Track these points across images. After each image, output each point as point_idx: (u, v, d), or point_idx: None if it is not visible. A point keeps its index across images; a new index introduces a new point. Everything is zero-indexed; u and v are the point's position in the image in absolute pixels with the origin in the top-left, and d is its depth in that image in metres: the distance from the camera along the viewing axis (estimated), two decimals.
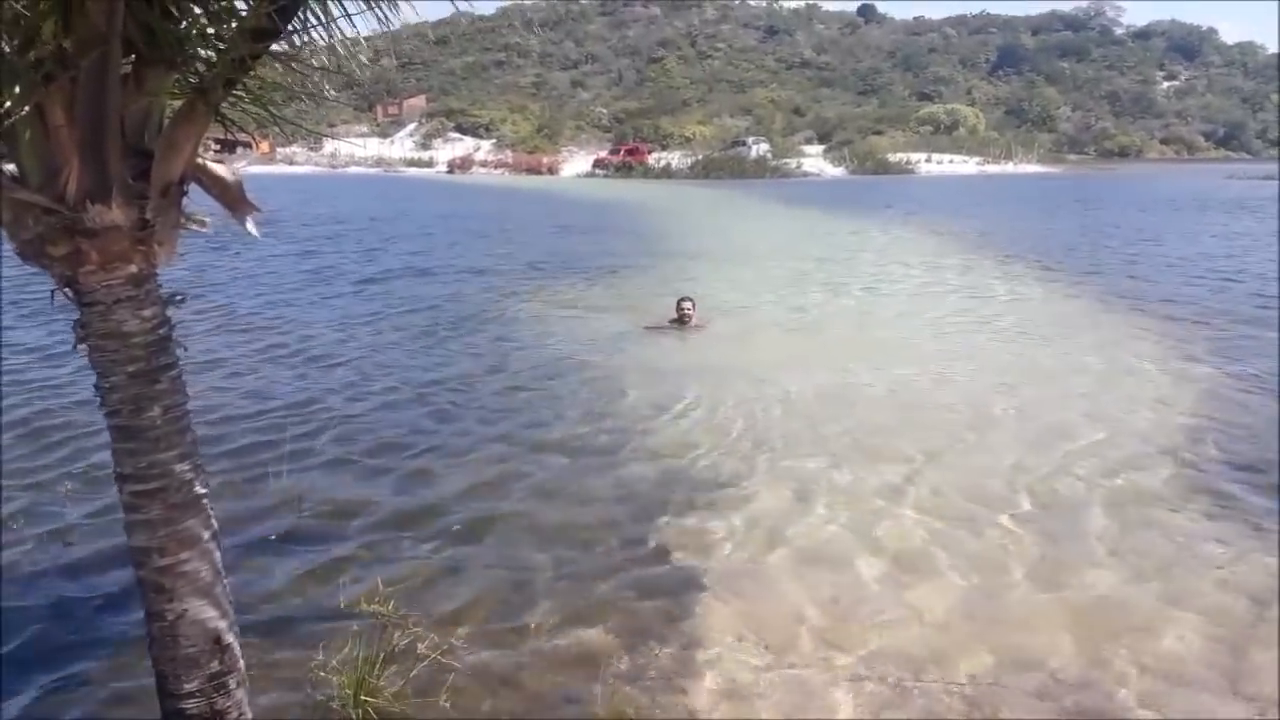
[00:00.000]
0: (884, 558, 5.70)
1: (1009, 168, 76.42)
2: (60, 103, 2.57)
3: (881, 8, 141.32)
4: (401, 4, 2.80)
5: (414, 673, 4.14)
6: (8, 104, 2.47)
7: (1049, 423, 8.39)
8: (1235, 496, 6.67)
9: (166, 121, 2.86)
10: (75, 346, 2.90)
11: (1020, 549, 5.83)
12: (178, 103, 2.85)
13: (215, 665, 3.05)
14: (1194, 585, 5.34)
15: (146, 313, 2.86)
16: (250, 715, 3.17)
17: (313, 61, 3.06)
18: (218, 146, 3.38)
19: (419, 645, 4.16)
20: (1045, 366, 10.63)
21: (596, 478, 7.05)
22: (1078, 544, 5.94)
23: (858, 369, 10.33)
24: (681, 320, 11.96)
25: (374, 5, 2.78)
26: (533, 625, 4.87)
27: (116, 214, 2.69)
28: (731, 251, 22.29)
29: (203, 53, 2.84)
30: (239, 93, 2.97)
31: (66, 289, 2.83)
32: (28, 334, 11.57)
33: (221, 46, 2.78)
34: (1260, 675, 4.46)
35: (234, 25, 2.75)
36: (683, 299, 12.12)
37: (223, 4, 2.81)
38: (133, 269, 2.80)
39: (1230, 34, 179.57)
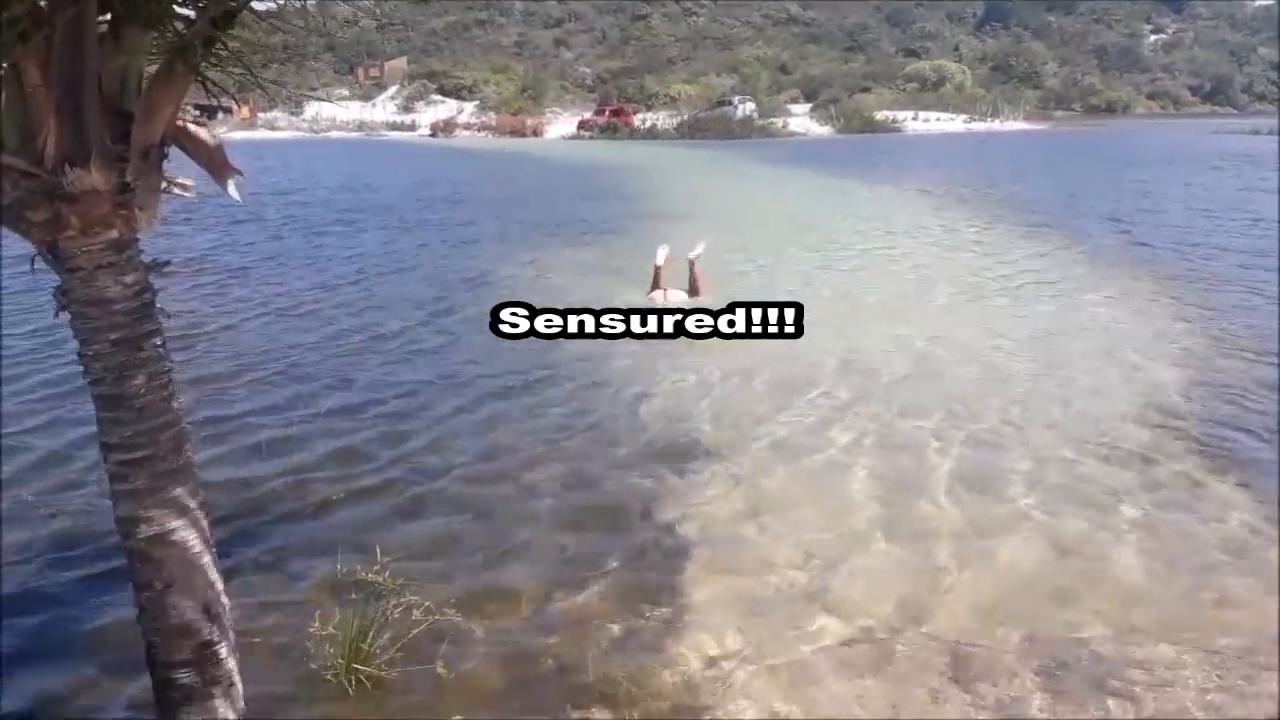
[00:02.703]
0: (861, 518, 5.74)
1: (995, 125, 76.08)
2: (36, 62, 2.49)
3: None
4: None
5: (406, 639, 4.13)
6: None
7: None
8: None
9: (146, 82, 2.79)
10: (57, 314, 2.85)
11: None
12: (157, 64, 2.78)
13: (205, 634, 3.02)
14: None
15: (128, 278, 2.80)
16: (241, 684, 3.15)
17: (292, 21, 2.97)
18: (197, 112, 3.30)
19: (413, 613, 4.14)
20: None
21: (594, 449, 7.03)
22: None
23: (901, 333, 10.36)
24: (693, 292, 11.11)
25: None
26: (526, 592, 4.88)
27: (96, 178, 2.62)
28: (747, 215, 21.66)
29: (181, 10, 2.75)
30: (219, 52, 2.90)
31: (47, 255, 2.77)
32: None
33: (200, 4, 2.70)
34: None
35: None
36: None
37: None
38: (114, 234, 2.73)
39: None
